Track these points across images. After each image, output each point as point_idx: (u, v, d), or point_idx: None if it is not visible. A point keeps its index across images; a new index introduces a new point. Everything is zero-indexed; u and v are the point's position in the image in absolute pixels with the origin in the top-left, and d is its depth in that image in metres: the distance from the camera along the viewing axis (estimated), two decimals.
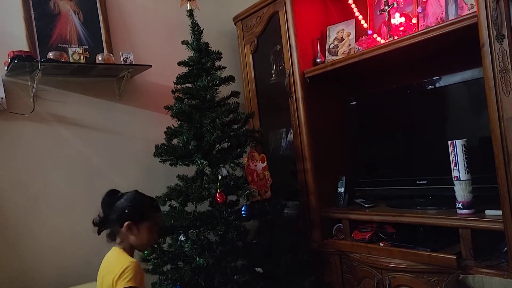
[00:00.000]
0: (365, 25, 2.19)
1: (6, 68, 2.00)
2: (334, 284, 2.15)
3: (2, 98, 2.01)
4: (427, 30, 1.68)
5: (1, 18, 2.07)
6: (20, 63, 1.93)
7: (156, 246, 1.96)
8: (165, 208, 2.07)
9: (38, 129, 2.13)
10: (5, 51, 1.99)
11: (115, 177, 2.34)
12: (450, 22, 1.61)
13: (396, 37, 1.88)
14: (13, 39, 2.07)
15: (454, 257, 1.61)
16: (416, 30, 1.83)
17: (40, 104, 2.14)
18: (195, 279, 1.88)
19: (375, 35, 2.08)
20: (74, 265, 2.15)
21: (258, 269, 1.99)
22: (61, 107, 2.21)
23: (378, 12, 2.09)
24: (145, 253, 1.94)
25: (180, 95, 2.13)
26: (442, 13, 1.77)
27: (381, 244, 1.90)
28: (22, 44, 2.07)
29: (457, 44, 1.82)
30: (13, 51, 1.93)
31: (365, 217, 2.00)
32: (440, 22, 1.72)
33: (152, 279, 2.05)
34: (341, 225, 2.14)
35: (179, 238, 1.97)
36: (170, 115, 2.11)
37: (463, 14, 1.62)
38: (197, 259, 1.84)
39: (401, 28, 1.92)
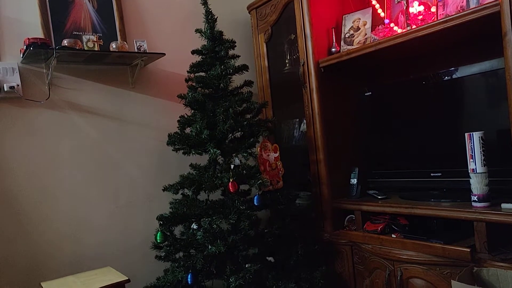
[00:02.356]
0: (382, 14, 2.16)
1: (21, 55, 2.01)
2: (345, 274, 2.15)
3: (18, 85, 2.03)
4: (447, 19, 1.65)
5: (16, 5, 2.08)
6: (36, 50, 1.93)
7: (168, 233, 1.98)
8: (177, 196, 2.10)
9: (53, 117, 2.15)
10: (20, 39, 2.00)
11: (128, 165, 2.37)
12: (471, 10, 1.57)
13: (414, 26, 1.85)
14: (28, 27, 2.09)
15: (468, 250, 1.59)
16: (436, 19, 1.79)
17: (55, 91, 2.16)
18: (207, 266, 1.90)
19: (392, 24, 2.04)
20: (87, 252, 2.19)
21: (270, 258, 2.00)
22: (75, 94, 2.23)
23: (396, 0, 2.05)
24: (158, 239, 1.96)
25: (193, 84, 2.12)
26: (462, 2, 1.73)
27: (393, 235, 1.89)
28: (37, 32, 2.08)
29: (476, 34, 1.79)
30: (28, 38, 1.94)
31: (378, 208, 1.99)
32: (461, 10, 1.68)
33: (164, 266, 2.08)
34: (353, 216, 2.13)
35: (192, 226, 1.98)
36: (183, 104, 2.11)
37: (485, 3, 1.58)
38: (209, 247, 1.86)
39: (420, 17, 1.88)
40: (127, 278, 1.84)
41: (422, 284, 1.75)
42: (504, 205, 1.58)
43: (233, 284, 1.82)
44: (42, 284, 1.87)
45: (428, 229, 1.83)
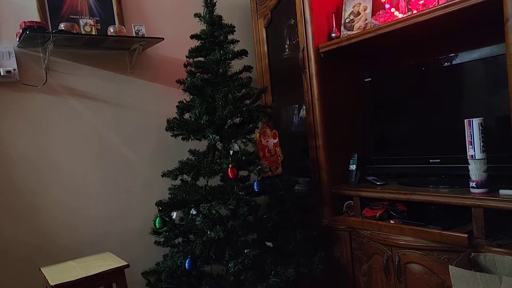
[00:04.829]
0: None
1: (18, 39, 1.99)
2: (343, 260, 2.17)
3: (14, 70, 2.01)
4: (448, 4, 1.62)
5: None
6: (32, 34, 1.91)
7: (167, 219, 1.99)
8: (176, 182, 2.10)
9: (50, 101, 2.14)
10: (17, 22, 1.98)
11: (127, 150, 2.36)
12: None
13: (415, 11, 1.83)
14: (24, 10, 2.06)
15: (466, 235, 1.60)
16: (437, 4, 1.77)
17: (52, 76, 2.14)
18: (206, 252, 1.91)
19: (392, 9, 2.02)
20: (87, 237, 2.20)
21: (268, 244, 2.02)
22: (73, 79, 2.20)
23: None
24: (157, 225, 1.97)
25: (192, 69, 2.11)
26: None
27: (392, 221, 1.90)
28: (33, 15, 2.06)
29: (477, 19, 1.77)
30: (24, 22, 1.91)
31: (377, 194, 1.99)
32: None
33: (163, 251, 2.09)
34: (352, 202, 2.14)
35: (191, 212, 1.99)
36: (182, 89, 2.10)
37: None
38: (208, 232, 1.87)
39: (421, 2, 1.86)
40: (127, 263, 1.85)
41: (419, 269, 1.77)
42: (502, 191, 1.59)
43: (232, 269, 1.83)
44: (42, 269, 1.88)
45: (426, 215, 1.84)
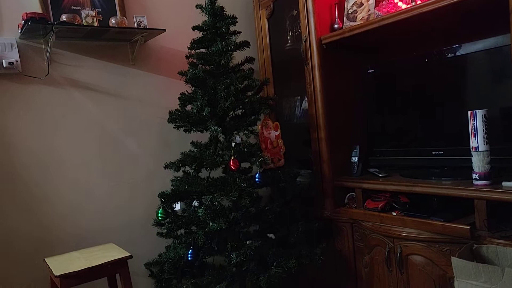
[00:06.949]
0: None
1: (20, 31, 1.98)
2: (345, 251, 2.17)
3: (17, 61, 2.01)
4: None
5: None
6: (34, 25, 1.90)
7: (170, 211, 1.99)
8: (179, 173, 2.10)
9: (52, 93, 2.14)
10: (18, 13, 1.97)
11: (129, 142, 2.36)
12: None
13: (419, 2, 1.81)
14: (26, 1, 2.05)
15: (468, 227, 1.60)
16: None
17: (54, 67, 2.14)
18: (208, 243, 1.92)
19: (396, 0, 2.00)
20: (89, 229, 2.21)
21: (270, 235, 2.02)
22: (75, 71, 2.20)
23: None
24: (159, 217, 1.97)
25: (194, 61, 2.10)
26: None
27: (394, 213, 1.90)
28: (35, 6, 2.05)
29: (481, 10, 1.75)
30: (26, 13, 1.91)
31: (379, 186, 1.99)
32: None
33: (166, 242, 2.10)
34: (354, 194, 2.14)
35: (193, 204, 1.99)
36: (184, 81, 2.09)
37: None
38: (211, 224, 1.87)
39: None
40: (130, 254, 1.86)
41: (421, 261, 1.77)
42: (505, 183, 1.58)
43: (234, 260, 1.84)
44: (46, 259, 1.90)
45: (428, 207, 1.84)
